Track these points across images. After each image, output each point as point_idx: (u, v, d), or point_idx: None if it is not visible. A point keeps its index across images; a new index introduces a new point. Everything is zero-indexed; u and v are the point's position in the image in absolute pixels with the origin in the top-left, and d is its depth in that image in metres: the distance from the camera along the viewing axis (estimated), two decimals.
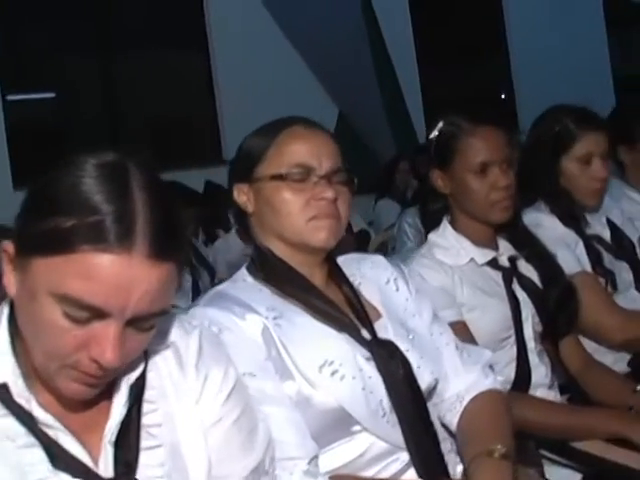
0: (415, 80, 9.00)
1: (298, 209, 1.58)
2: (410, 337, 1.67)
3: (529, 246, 2.16)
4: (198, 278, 4.35)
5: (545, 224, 2.40)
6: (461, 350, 1.76)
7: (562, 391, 2.18)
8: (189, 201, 4.69)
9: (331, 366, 1.52)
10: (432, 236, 2.14)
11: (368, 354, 1.58)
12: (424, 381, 1.62)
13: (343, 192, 1.62)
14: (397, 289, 1.75)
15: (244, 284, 1.63)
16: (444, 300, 1.99)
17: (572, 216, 2.43)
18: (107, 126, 7.39)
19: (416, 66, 9.06)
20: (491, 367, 1.79)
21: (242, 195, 1.64)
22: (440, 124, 2.11)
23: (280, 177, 1.58)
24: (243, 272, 1.66)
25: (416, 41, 9.11)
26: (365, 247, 4.86)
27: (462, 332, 1.94)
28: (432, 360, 1.67)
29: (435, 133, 2.11)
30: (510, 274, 2.09)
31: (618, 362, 2.36)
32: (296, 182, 1.58)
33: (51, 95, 7.45)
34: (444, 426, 1.71)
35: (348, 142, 8.02)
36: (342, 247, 1.70)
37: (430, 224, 2.17)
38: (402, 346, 1.61)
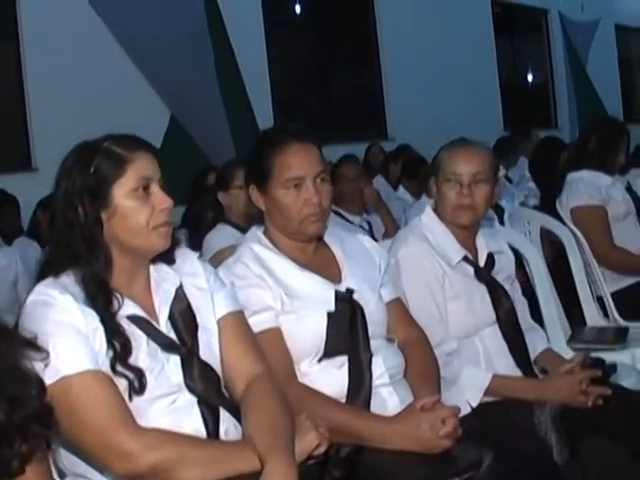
0: (265, 84, 8.32)
1: None
2: None
3: None
4: None
5: (54, 302, 1.71)
6: None
7: None
8: None
9: None
10: None
11: None
12: None
13: None
14: None
15: None
16: None
17: (103, 287, 1.75)
18: None
19: (267, 69, 8.37)
20: None
21: None
22: None
23: None
24: None
25: (268, 44, 8.41)
26: None
27: None
28: None
29: None
30: None
31: None
32: None
33: None
34: None
35: (180, 147, 7.37)
36: None
37: None
38: None
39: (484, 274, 2.47)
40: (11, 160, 6.77)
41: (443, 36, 9.97)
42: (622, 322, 3.63)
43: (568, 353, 3.14)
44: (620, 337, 3.37)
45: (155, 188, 1.80)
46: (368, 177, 4.12)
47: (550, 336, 3.20)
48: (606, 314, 3.71)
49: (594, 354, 3.19)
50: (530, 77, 12.54)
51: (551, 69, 12.34)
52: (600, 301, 3.75)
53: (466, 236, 2.49)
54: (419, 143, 8.22)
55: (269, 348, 1.98)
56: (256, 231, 2.20)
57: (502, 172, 6.94)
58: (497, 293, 2.45)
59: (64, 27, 6.76)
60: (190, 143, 7.40)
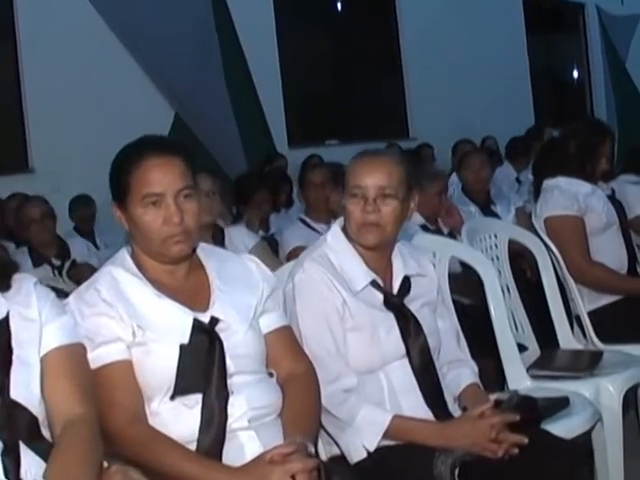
0: (276, 83, 8.09)
1: None
2: None
3: None
4: None
5: None
6: None
7: None
8: None
9: None
10: None
11: None
12: None
13: None
14: None
15: None
16: None
17: None
18: None
19: (278, 68, 8.13)
20: None
21: None
22: None
23: None
24: None
25: (280, 41, 8.16)
26: None
27: None
28: None
29: None
30: None
31: None
32: None
33: None
34: None
35: None
36: None
37: None
38: None
39: (395, 301, 2.19)
40: (8, 161, 6.66)
41: (469, 32, 9.61)
42: (600, 344, 3.30)
43: (525, 382, 2.87)
44: (592, 363, 3.04)
45: None
46: (335, 183, 3.88)
47: (505, 363, 2.92)
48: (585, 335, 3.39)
49: (557, 383, 2.91)
50: (566, 74, 12.08)
51: (588, 66, 11.86)
52: (579, 320, 3.43)
53: (376, 257, 2.21)
54: (442, 142, 7.93)
55: (115, 383, 1.79)
56: (124, 252, 1.98)
57: (512, 175, 6.62)
58: (407, 323, 2.16)
59: (62, 25, 6.64)
60: (195, 143, 7.21)
